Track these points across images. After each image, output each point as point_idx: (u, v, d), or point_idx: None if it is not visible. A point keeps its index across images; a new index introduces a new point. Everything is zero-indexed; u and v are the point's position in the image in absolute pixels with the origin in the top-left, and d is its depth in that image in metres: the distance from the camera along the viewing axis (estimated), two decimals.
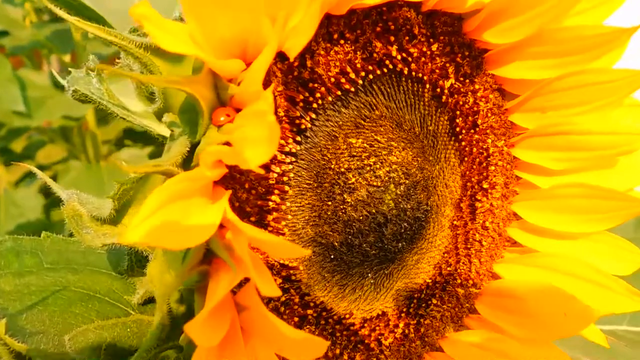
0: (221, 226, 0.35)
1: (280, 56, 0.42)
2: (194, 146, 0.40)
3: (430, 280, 0.56)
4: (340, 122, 0.48)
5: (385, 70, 0.49)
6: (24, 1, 2.20)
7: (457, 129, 0.55)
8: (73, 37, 2.07)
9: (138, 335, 0.50)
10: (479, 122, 0.55)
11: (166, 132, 0.49)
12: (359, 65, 0.47)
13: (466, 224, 0.57)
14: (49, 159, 2.34)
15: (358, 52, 0.47)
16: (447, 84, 0.52)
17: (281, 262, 0.45)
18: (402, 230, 0.51)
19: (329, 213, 0.48)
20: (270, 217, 0.44)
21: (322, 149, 0.47)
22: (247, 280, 0.37)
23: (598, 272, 0.53)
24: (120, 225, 0.46)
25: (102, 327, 0.47)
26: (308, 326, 0.48)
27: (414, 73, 0.51)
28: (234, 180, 0.42)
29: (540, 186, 0.57)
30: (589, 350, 0.69)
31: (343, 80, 0.46)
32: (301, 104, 0.45)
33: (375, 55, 0.48)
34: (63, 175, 2.08)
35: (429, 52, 0.51)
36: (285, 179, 0.45)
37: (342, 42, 0.46)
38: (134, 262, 0.53)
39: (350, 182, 0.48)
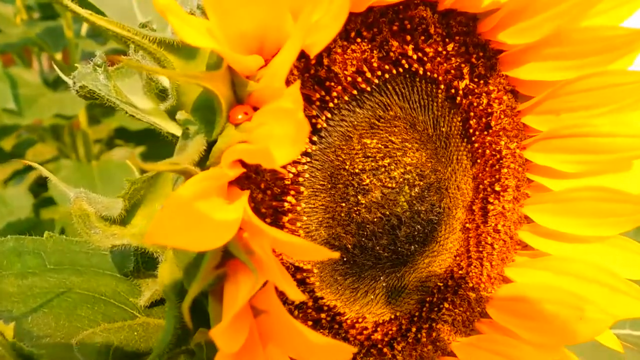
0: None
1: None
2: (209, 145, 0.39)
3: (441, 284, 0.55)
4: (355, 122, 0.47)
5: (400, 69, 0.48)
6: None
7: (470, 131, 0.54)
8: (65, 35, 2.04)
9: (145, 338, 0.48)
10: (492, 123, 0.54)
11: (176, 130, 0.48)
12: (375, 65, 0.46)
13: (478, 227, 0.56)
14: (38, 158, 2.31)
15: (375, 51, 0.46)
16: (462, 84, 0.52)
17: (296, 264, 0.44)
18: (415, 233, 0.50)
19: (342, 215, 0.47)
20: (285, 219, 0.43)
21: (336, 149, 0.46)
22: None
23: (612, 276, 0.52)
24: (129, 225, 0.44)
25: (109, 330, 0.46)
26: (321, 330, 0.47)
27: (428, 73, 0.50)
28: (249, 180, 0.41)
29: (553, 189, 0.57)
30: (588, 352, 0.68)
31: (359, 79, 0.45)
32: (317, 103, 0.44)
33: (391, 54, 0.47)
34: (54, 175, 2.06)
35: (444, 52, 0.50)
36: (300, 179, 0.44)
37: (358, 40, 0.45)
38: (140, 263, 0.51)
39: (364, 183, 0.47)
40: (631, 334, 0.83)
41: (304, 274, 0.45)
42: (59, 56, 2.19)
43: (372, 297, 0.51)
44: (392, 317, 0.52)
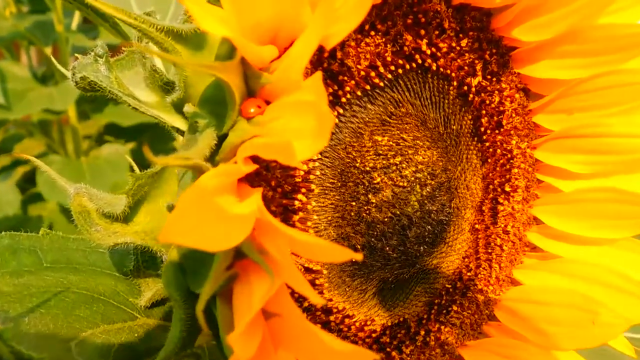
0: None
1: None
2: (219, 140, 0.37)
3: (450, 286, 0.54)
4: (367, 119, 0.45)
5: (414, 65, 0.46)
6: None
7: (481, 129, 0.53)
8: (55, 29, 2.01)
9: (145, 340, 0.46)
10: (504, 122, 0.53)
11: (181, 124, 0.46)
12: (389, 59, 0.44)
13: (487, 228, 0.55)
14: (27, 153, 2.27)
15: (388, 45, 0.44)
16: (475, 81, 0.50)
17: (305, 265, 0.43)
18: (426, 234, 0.49)
19: (352, 214, 0.45)
20: (296, 217, 0.41)
21: (347, 146, 0.44)
22: None
23: (625, 279, 0.51)
24: (132, 223, 0.42)
25: (109, 331, 0.44)
26: (330, 333, 0.45)
27: (441, 69, 0.48)
28: (259, 177, 0.40)
29: (563, 190, 0.56)
30: (591, 355, 0.67)
31: (372, 74, 0.44)
32: (330, 98, 0.42)
33: (405, 48, 0.45)
34: (42, 170, 2.02)
35: (458, 48, 0.48)
36: (311, 176, 0.42)
37: (372, 33, 0.43)
38: (140, 262, 0.50)
39: (375, 181, 0.45)
40: (633, 337, 0.82)
41: (313, 275, 0.44)
42: (48, 50, 2.15)
43: (380, 299, 0.49)
44: (401, 319, 0.50)
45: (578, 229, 0.54)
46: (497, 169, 0.55)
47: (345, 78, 0.42)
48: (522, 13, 0.48)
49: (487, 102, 0.52)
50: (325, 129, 0.27)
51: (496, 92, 0.52)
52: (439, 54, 0.47)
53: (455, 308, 0.53)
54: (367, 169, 0.45)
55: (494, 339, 0.55)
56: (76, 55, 0.47)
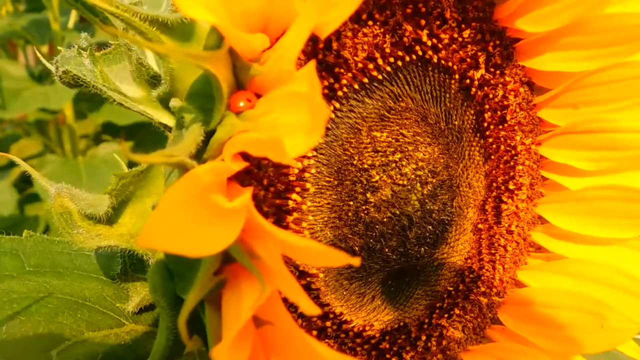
0: None
1: None
2: (206, 136, 0.35)
3: (452, 288, 0.51)
4: (364, 114, 0.43)
5: (414, 57, 0.44)
6: None
7: (484, 125, 0.51)
8: (51, 27, 1.99)
9: (132, 347, 0.44)
10: (508, 117, 0.51)
11: (168, 120, 0.44)
12: (387, 50, 0.42)
13: (490, 228, 0.53)
14: (23, 153, 2.25)
15: (387, 36, 0.42)
16: (477, 74, 0.48)
17: (300, 268, 0.40)
18: (427, 234, 0.47)
19: (349, 214, 0.43)
20: (290, 218, 0.39)
21: (343, 142, 0.42)
22: None
23: (634, 280, 0.49)
24: (116, 225, 0.40)
25: (94, 339, 0.42)
26: (327, 340, 0.43)
27: (442, 62, 0.46)
28: (250, 176, 0.37)
29: (569, 188, 0.53)
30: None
31: (371, 66, 0.42)
32: (325, 91, 0.40)
33: (405, 39, 0.43)
34: (38, 170, 2.00)
35: (460, 39, 0.46)
36: (306, 175, 0.40)
37: (370, 23, 0.41)
38: (127, 265, 0.47)
39: (373, 180, 0.43)
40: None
41: (309, 279, 0.41)
42: (45, 49, 2.13)
43: (380, 303, 0.47)
44: (401, 324, 0.48)
45: (585, 229, 0.52)
46: (501, 166, 0.52)
47: (342, 70, 0.40)
48: (526, 2, 0.46)
49: (491, 96, 0.50)
50: (319, 123, 0.25)
51: (500, 85, 0.50)
52: (440, 45, 0.45)
53: (457, 311, 0.51)
54: (365, 166, 0.43)
55: (498, 343, 0.53)
56: (59, 48, 0.45)
